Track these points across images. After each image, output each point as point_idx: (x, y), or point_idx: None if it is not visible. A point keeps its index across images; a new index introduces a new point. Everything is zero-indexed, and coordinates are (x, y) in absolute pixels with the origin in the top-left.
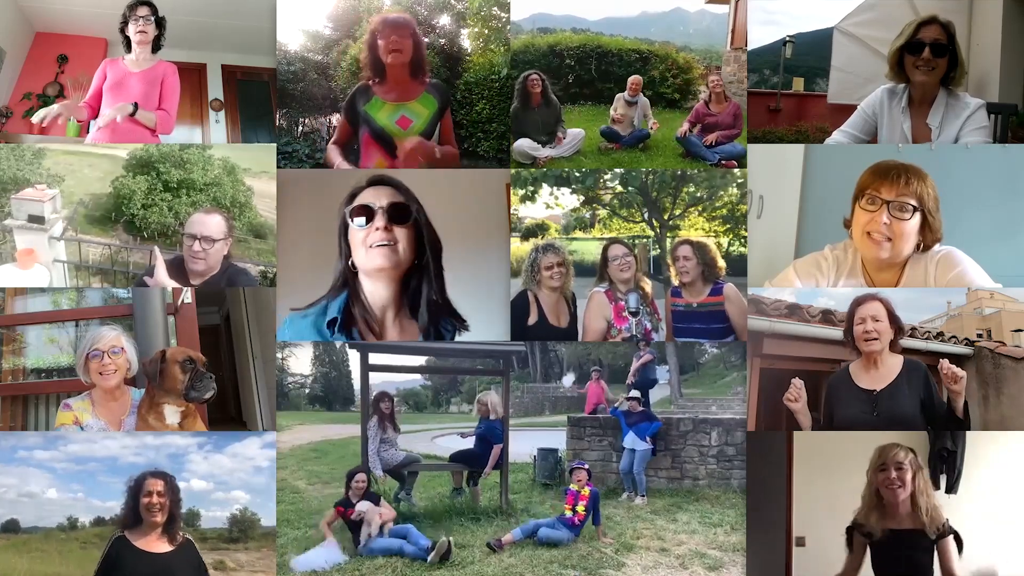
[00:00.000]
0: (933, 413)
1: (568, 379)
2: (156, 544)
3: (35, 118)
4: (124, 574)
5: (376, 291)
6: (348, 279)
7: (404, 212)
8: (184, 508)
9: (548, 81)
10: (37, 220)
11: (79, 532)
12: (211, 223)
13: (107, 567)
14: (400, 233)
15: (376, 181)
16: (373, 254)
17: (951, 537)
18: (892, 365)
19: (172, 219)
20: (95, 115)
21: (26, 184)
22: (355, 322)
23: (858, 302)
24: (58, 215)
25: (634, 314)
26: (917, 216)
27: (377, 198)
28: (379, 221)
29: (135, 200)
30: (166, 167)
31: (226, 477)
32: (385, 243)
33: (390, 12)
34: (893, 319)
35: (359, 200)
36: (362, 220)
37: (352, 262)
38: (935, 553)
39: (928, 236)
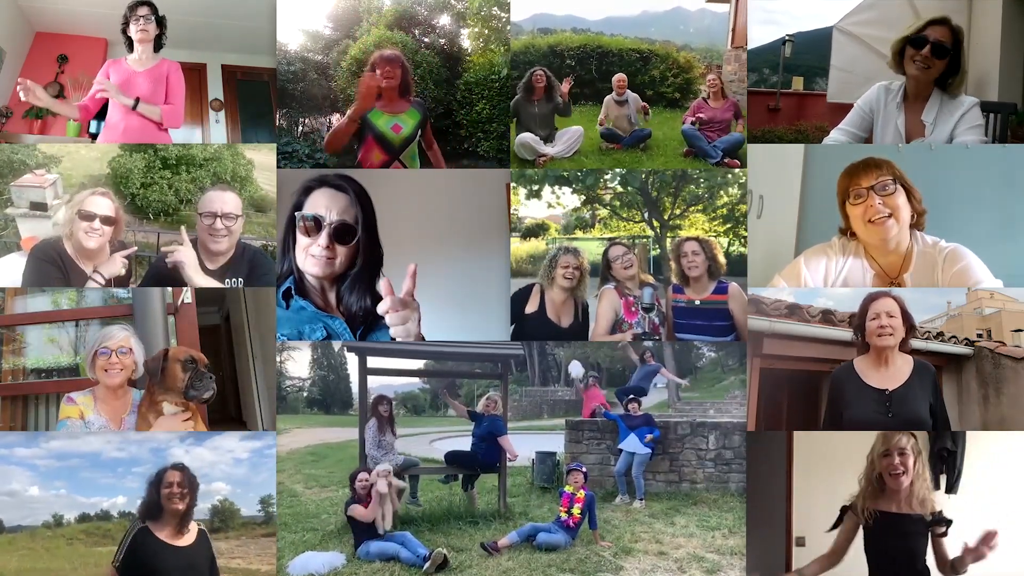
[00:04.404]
0: (935, 419)
1: (575, 368)
2: (178, 536)
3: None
4: (149, 562)
5: (313, 283)
6: (293, 266)
7: (349, 233)
8: None
9: (554, 80)
10: (39, 207)
11: (64, 529)
12: (229, 199)
13: (130, 555)
14: (340, 250)
15: (334, 184)
16: (310, 262)
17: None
18: (902, 365)
19: (173, 197)
20: (91, 116)
21: (24, 169)
22: (307, 292)
23: (872, 297)
24: (60, 200)
25: (648, 309)
26: (900, 190)
27: (329, 209)
28: (322, 240)
29: (133, 179)
30: (163, 143)
31: (207, 470)
32: (324, 256)
33: (385, 49)
34: (905, 317)
35: (311, 205)
36: (306, 235)
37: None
38: (927, 538)
39: (916, 206)
